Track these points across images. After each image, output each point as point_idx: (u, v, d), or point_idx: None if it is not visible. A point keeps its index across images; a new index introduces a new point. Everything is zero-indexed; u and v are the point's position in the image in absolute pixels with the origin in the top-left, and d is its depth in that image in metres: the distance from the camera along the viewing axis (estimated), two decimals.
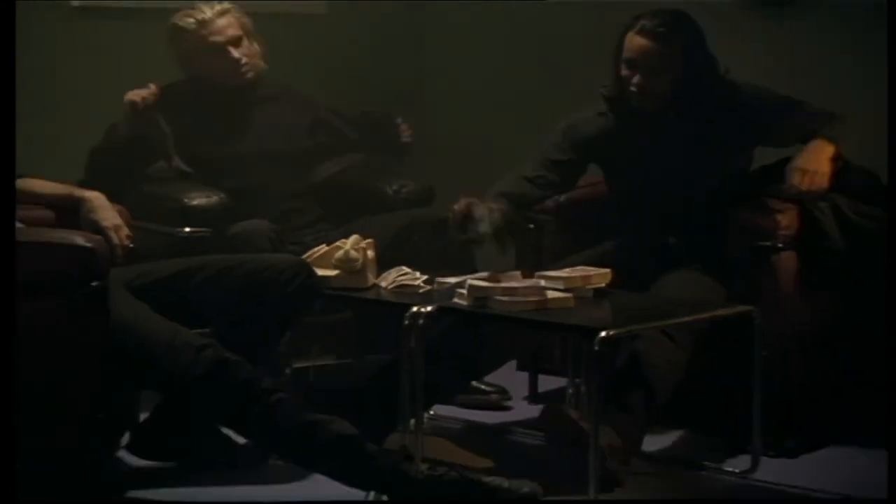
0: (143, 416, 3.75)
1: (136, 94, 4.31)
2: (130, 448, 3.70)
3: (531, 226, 4.35)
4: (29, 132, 4.40)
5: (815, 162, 3.91)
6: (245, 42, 4.49)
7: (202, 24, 4.45)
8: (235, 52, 4.47)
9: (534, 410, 4.29)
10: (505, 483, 3.29)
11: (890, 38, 3.80)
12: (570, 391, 4.15)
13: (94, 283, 3.27)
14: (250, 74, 4.51)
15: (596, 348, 3.26)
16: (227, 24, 4.47)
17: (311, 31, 5.40)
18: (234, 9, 4.52)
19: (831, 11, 4.75)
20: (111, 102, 4.39)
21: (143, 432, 3.72)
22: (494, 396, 4.39)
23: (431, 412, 4.06)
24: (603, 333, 3.28)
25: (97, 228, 3.61)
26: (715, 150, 4.02)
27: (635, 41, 3.98)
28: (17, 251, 3.17)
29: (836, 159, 3.93)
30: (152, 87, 4.34)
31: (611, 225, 4.16)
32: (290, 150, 4.53)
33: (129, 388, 3.55)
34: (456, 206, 3.91)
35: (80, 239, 3.32)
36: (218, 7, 4.49)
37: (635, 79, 4.00)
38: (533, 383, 4.44)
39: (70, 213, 3.69)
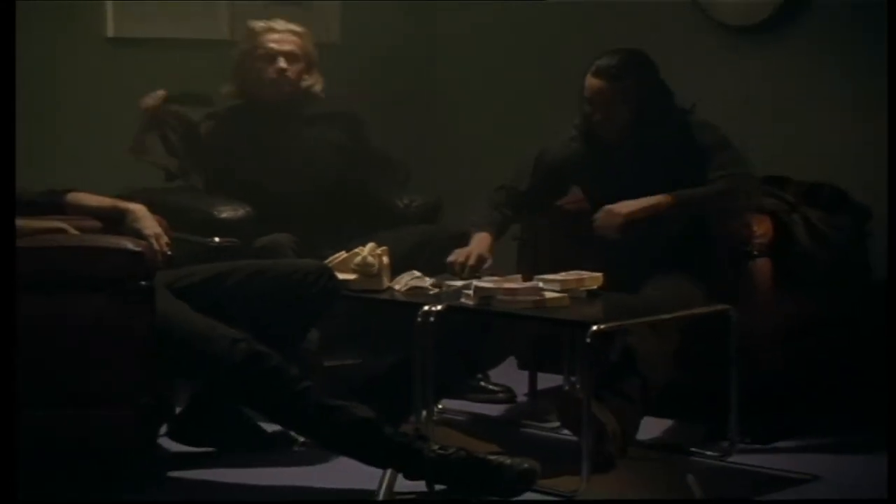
0: (178, 410, 3.99)
1: (143, 101, 4.66)
2: (170, 435, 3.95)
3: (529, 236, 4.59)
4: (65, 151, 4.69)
5: (626, 208, 4.09)
6: (299, 63, 4.66)
7: (270, 29, 4.67)
8: (282, 63, 4.63)
9: (533, 405, 4.59)
10: (507, 460, 3.53)
11: (890, 39, 3.81)
12: (566, 388, 4.38)
13: (142, 283, 3.54)
14: (286, 89, 4.65)
15: (588, 340, 3.52)
16: (288, 39, 4.67)
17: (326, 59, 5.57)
18: (307, 35, 4.72)
19: (830, 33, 4.81)
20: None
21: (181, 421, 3.96)
22: (502, 395, 4.62)
23: (440, 406, 4.27)
24: (594, 327, 3.54)
25: (140, 236, 3.80)
26: (671, 178, 4.16)
27: (592, 82, 4.18)
28: (76, 254, 3.55)
29: (658, 213, 4.09)
30: (159, 93, 4.66)
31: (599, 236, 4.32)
32: (318, 171, 4.68)
33: (171, 377, 3.75)
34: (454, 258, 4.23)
35: (130, 244, 3.60)
36: (294, 26, 4.70)
37: (595, 116, 4.21)
38: (533, 381, 4.66)
39: (114, 222, 3.91)
